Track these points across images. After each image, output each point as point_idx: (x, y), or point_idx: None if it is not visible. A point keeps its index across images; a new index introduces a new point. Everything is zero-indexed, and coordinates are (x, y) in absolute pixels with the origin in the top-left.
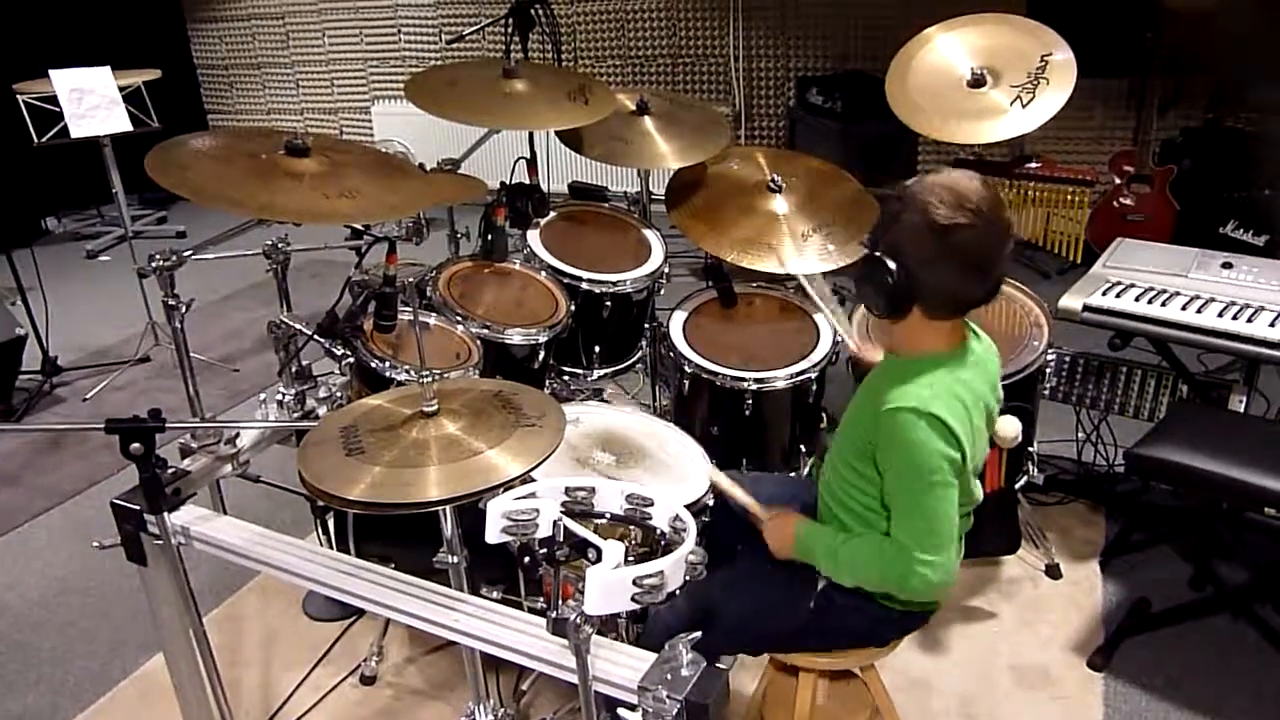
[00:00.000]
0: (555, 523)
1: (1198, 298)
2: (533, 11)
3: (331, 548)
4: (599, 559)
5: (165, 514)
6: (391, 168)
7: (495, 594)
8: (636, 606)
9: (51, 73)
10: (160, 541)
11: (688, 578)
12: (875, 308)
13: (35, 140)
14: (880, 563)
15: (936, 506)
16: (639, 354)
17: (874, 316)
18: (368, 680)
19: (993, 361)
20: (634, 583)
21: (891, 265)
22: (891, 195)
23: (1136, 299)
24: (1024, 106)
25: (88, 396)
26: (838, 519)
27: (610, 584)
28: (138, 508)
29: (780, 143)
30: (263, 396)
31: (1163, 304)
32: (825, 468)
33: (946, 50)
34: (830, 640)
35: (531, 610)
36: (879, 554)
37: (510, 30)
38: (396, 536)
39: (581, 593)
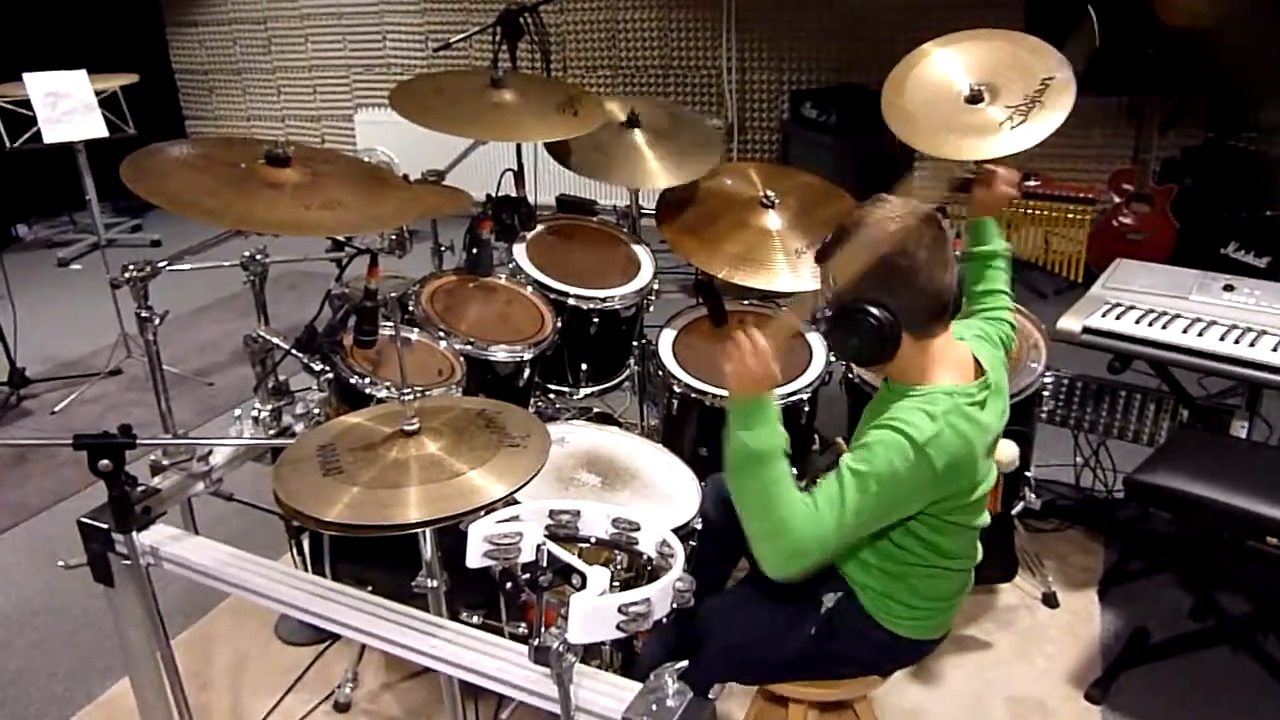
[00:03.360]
0: (539, 547)
1: (1199, 320)
2: (522, 20)
3: (306, 569)
4: (583, 585)
5: (134, 533)
6: (375, 179)
7: (475, 619)
8: (622, 635)
9: (25, 76)
10: (128, 562)
11: (675, 605)
12: (861, 355)
13: (7, 145)
14: (777, 534)
15: (844, 528)
16: (626, 372)
17: (869, 369)
18: (342, 708)
19: (1005, 382)
20: (619, 610)
21: (871, 309)
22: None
23: (1137, 321)
24: (1013, 128)
25: (56, 410)
26: (852, 550)
27: (595, 611)
28: (105, 526)
29: (773, 157)
30: (237, 412)
31: (1163, 326)
32: None
33: (946, 65)
34: (829, 669)
35: (513, 636)
36: (787, 528)
37: (498, 39)
38: (374, 559)
39: (564, 619)
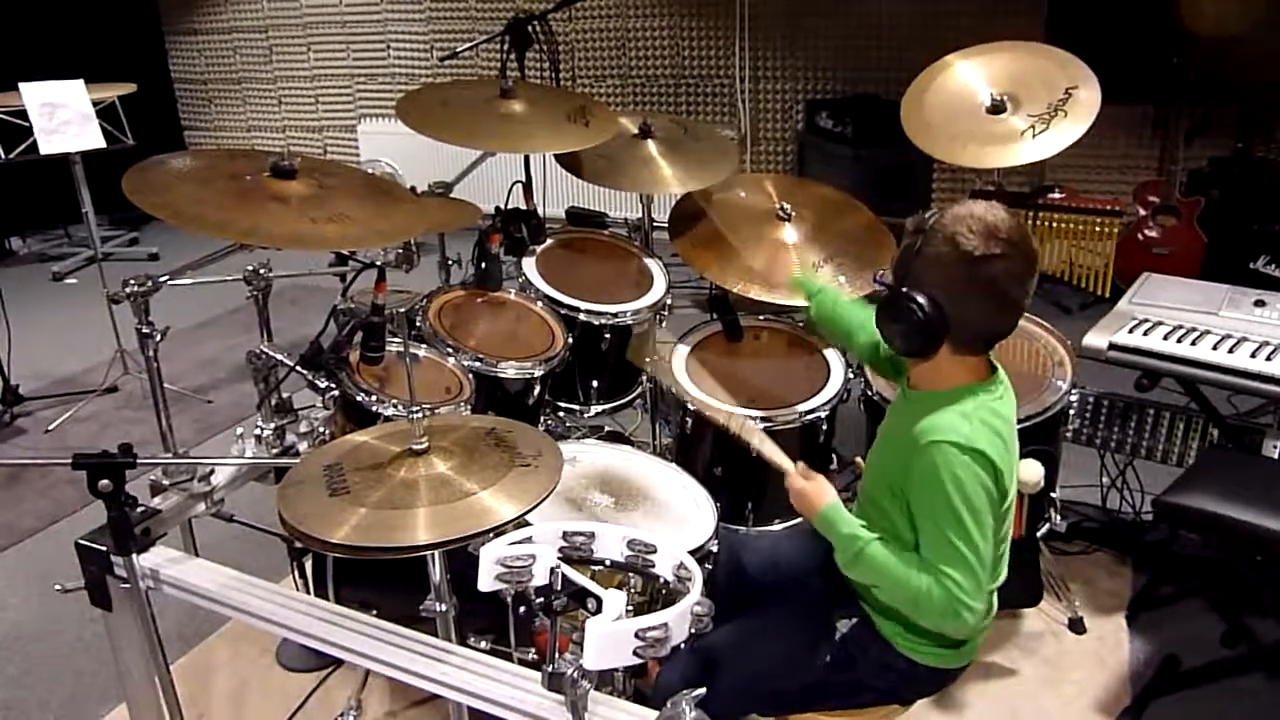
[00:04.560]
0: (553, 570)
1: (1229, 337)
2: (530, 29)
3: (309, 592)
4: (599, 609)
5: (134, 555)
6: (382, 192)
7: (484, 644)
8: (638, 661)
9: (21, 85)
10: (127, 585)
11: (693, 630)
12: (903, 347)
13: (3, 156)
14: (914, 595)
15: (979, 548)
16: (638, 390)
17: (900, 355)
18: None
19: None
20: (636, 635)
21: (921, 301)
22: (910, 228)
23: (1165, 337)
24: (1034, 137)
25: (50, 428)
26: None
27: (611, 637)
28: (104, 549)
29: (788, 168)
30: (239, 430)
31: (1193, 343)
32: (854, 511)
33: (968, 75)
34: (851, 699)
35: (522, 662)
36: (915, 585)
37: (506, 48)
38: (379, 582)
39: (578, 644)
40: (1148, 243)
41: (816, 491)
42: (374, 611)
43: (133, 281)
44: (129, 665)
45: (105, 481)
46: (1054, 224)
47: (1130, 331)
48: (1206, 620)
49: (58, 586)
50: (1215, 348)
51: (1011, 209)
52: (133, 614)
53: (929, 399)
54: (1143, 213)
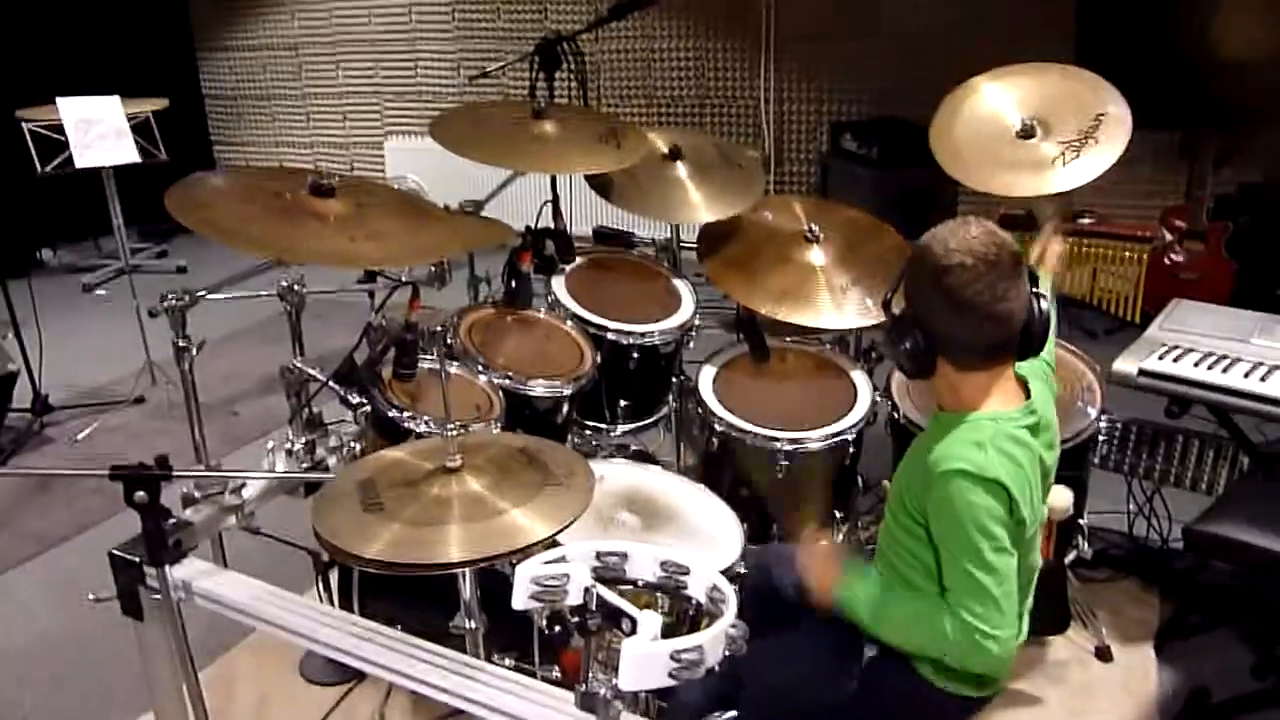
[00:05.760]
0: (588, 590)
1: (1261, 364)
2: (559, 49)
3: (334, 606)
4: (634, 630)
5: (167, 567)
6: (417, 210)
7: (508, 661)
8: (673, 683)
9: (59, 100)
10: (159, 596)
11: (727, 652)
12: (903, 366)
13: (39, 169)
14: (936, 636)
15: (998, 577)
16: (665, 409)
17: (905, 377)
18: None
19: (1054, 418)
20: (671, 657)
21: (903, 318)
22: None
23: (1196, 364)
24: (1064, 165)
25: (79, 438)
26: (893, 583)
27: (646, 658)
28: (137, 559)
29: (811, 189)
30: (270, 444)
31: (1224, 370)
32: (880, 530)
33: (997, 98)
34: None
35: (545, 680)
36: (934, 626)
37: (535, 68)
38: (405, 597)
39: (603, 664)
40: (1174, 268)
41: (827, 561)
42: (398, 626)
43: (170, 295)
44: (158, 675)
45: (141, 494)
46: (1083, 249)
47: (1160, 358)
48: (1236, 651)
49: (90, 597)
50: (1247, 375)
51: (1007, 229)
52: (163, 624)
53: (951, 421)
54: (1169, 238)
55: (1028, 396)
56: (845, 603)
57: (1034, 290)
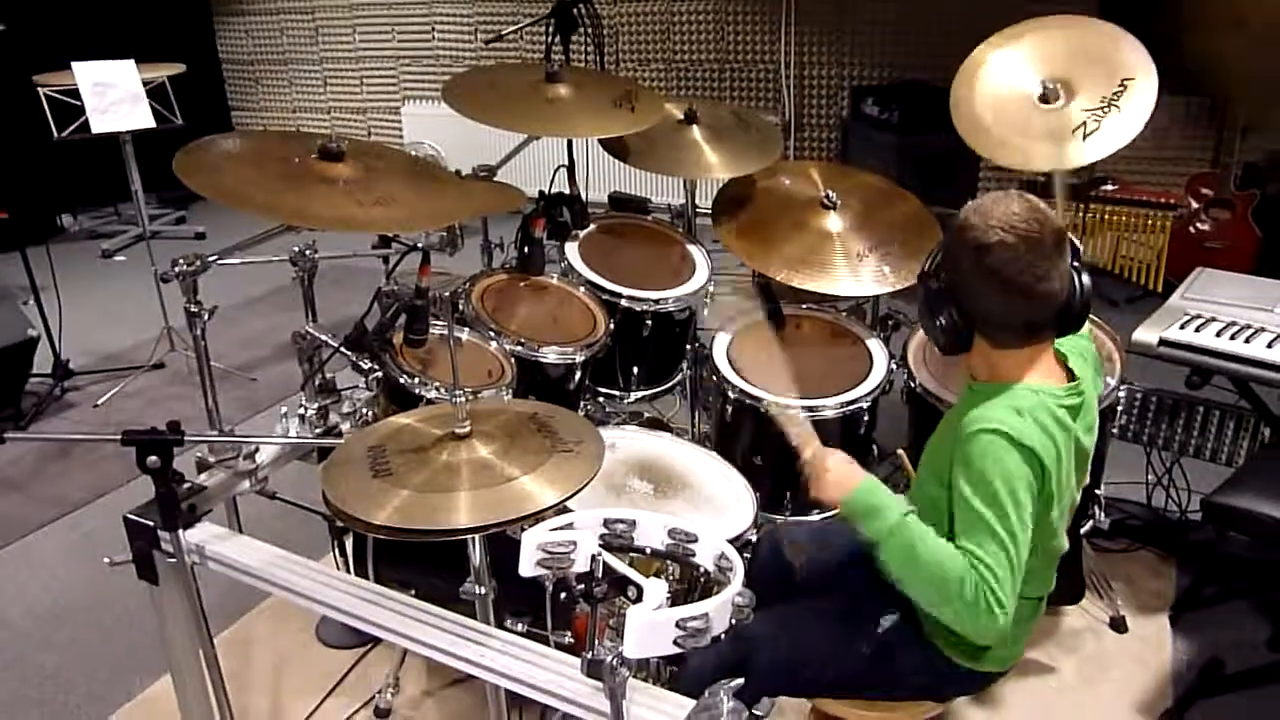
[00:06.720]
0: (594, 557)
1: None
2: (575, 12)
3: (349, 571)
4: (639, 598)
5: (180, 531)
6: (428, 175)
7: (520, 626)
8: (678, 650)
9: (74, 65)
10: (173, 560)
11: (733, 621)
12: (938, 342)
13: (55, 134)
14: (948, 587)
15: (1017, 535)
16: (679, 376)
17: (940, 352)
18: (382, 713)
19: (1095, 400)
20: (677, 625)
21: (940, 294)
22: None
23: (1218, 334)
24: (1084, 139)
25: (99, 403)
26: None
27: (652, 626)
28: (152, 524)
29: (831, 155)
30: (283, 410)
31: (1246, 340)
32: (909, 503)
33: (1014, 61)
34: (887, 690)
35: (558, 645)
36: (950, 577)
37: (551, 31)
38: (418, 562)
39: (615, 630)
40: (1200, 236)
41: (848, 473)
42: (412, 591)
43: (182, 260)
44: (173, 638)
45: (154, 458)
46: (1105, 216)
47: (1182, 327)
48: (1253, 623)
49: (107, 560)
50: (1270, 346)
51: (1035, 199)
52: (179, 588)
53: (987, 391)
54: (1195, 205)
55: (1067, 372)
56: (863, 505)
57: (1073, 264)
